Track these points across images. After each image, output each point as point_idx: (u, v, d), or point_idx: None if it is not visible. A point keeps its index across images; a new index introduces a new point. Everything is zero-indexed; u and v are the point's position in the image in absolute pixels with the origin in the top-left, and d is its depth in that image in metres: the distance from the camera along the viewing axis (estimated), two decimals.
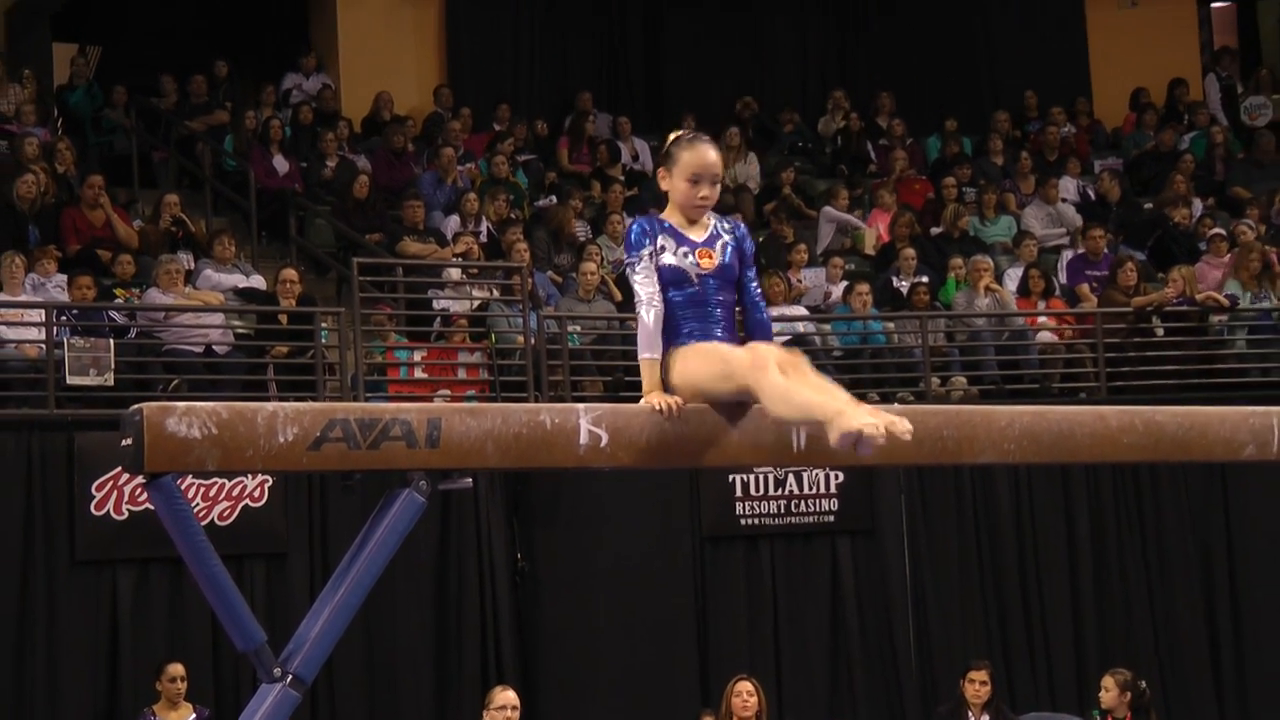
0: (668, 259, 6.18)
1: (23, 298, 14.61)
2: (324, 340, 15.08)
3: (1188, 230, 19.37)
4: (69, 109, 19.81)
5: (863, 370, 16.70)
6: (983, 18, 23.25)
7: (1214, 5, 25.96)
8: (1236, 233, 18.68)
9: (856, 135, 21.52)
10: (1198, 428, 6.62)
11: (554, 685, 14.63)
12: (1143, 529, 16.19)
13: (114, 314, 15.08)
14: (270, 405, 5.39)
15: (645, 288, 6.17)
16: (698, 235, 6.26)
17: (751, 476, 15.19)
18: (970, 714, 12.98)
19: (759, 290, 6.36)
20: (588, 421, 5.73)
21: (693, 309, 6.21)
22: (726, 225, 6.33)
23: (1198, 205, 20.11)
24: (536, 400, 14.44)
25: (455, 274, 16.59)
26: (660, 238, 6.25)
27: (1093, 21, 23.28)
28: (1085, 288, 18.09)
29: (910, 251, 18.19)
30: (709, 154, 6.24)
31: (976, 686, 13.01)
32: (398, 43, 21.31)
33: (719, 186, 6.33)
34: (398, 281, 16.67)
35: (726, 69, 22.37)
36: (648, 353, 6.11)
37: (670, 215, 6.29)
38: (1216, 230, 18.91)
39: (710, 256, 6.23)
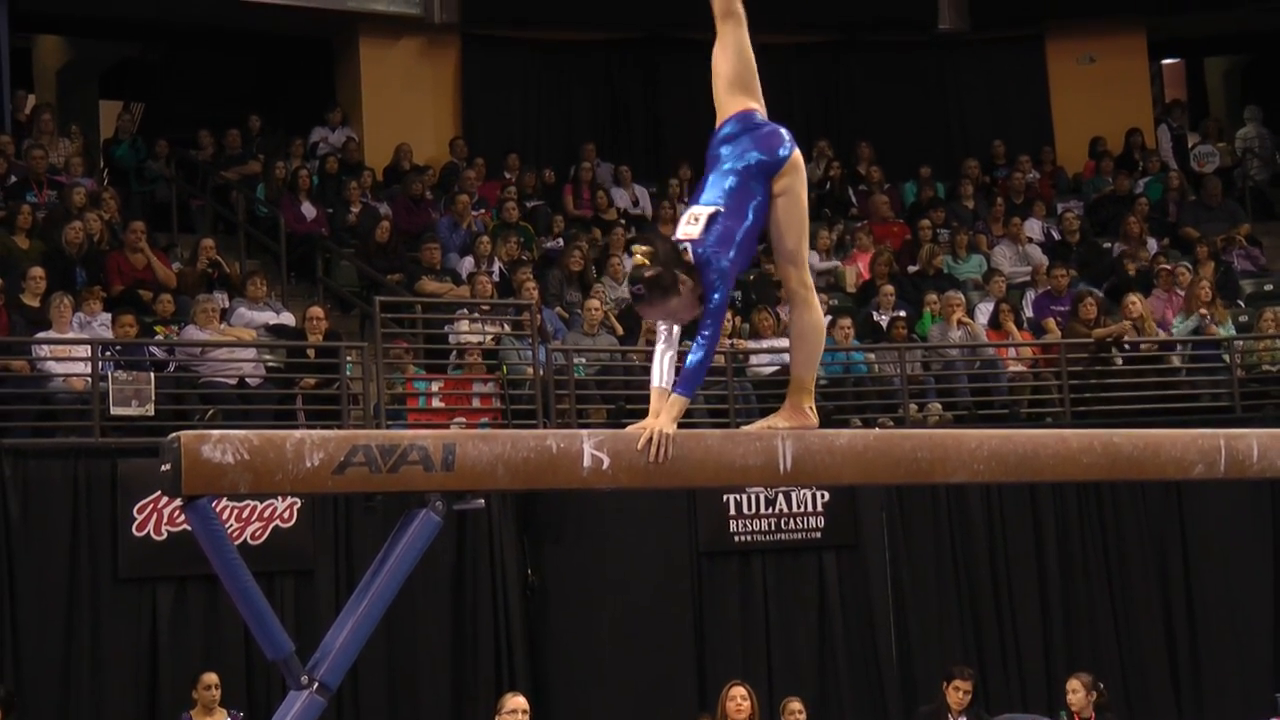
0: None
1: (70, 334, 14.63)
2: (348, 373, 15.07)
3: (1143, 268, 19.36)
4: (114, 161, 19.83)
5: (846, 398, 16.71)
6: (954, 74, 23.27)
7: (1165, 61, 26.01)
8: (1176, 272, 18.69)
9: (839, 182, 21.52)
10: (1151, 448, 6.63)
11: (562, 691, 14.62)
12: (1105, 541, 16.21)
13: (154, 349, 15.09)
14: (298, 433, 5.40)
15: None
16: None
17: (744, 496, 15.18)
18: (950, 717, 12.94)
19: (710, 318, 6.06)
20: (591, 446, 5.74)
21: None
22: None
23: (1152, 244, 20.12)
24: (545, 427, 14.43)
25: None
26: None
27: (1054, 76, 23.30)
28: (1050, 321, 18.10)
29: (889, 288, 18.20)
30: (646, 319, 6.21)
31: (960, 695, 12.97)
32: (417, 99, 21.34)
33: (683, 314, 6.06)
34: (416, 318, 16.69)
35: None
36: (655, 382, 6.00)
37: None
38: (1164, 267, 18.91)
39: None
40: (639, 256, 6.06)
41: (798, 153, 6.30)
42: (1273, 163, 22.68)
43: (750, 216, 6.10)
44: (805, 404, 6.15)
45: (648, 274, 5.96)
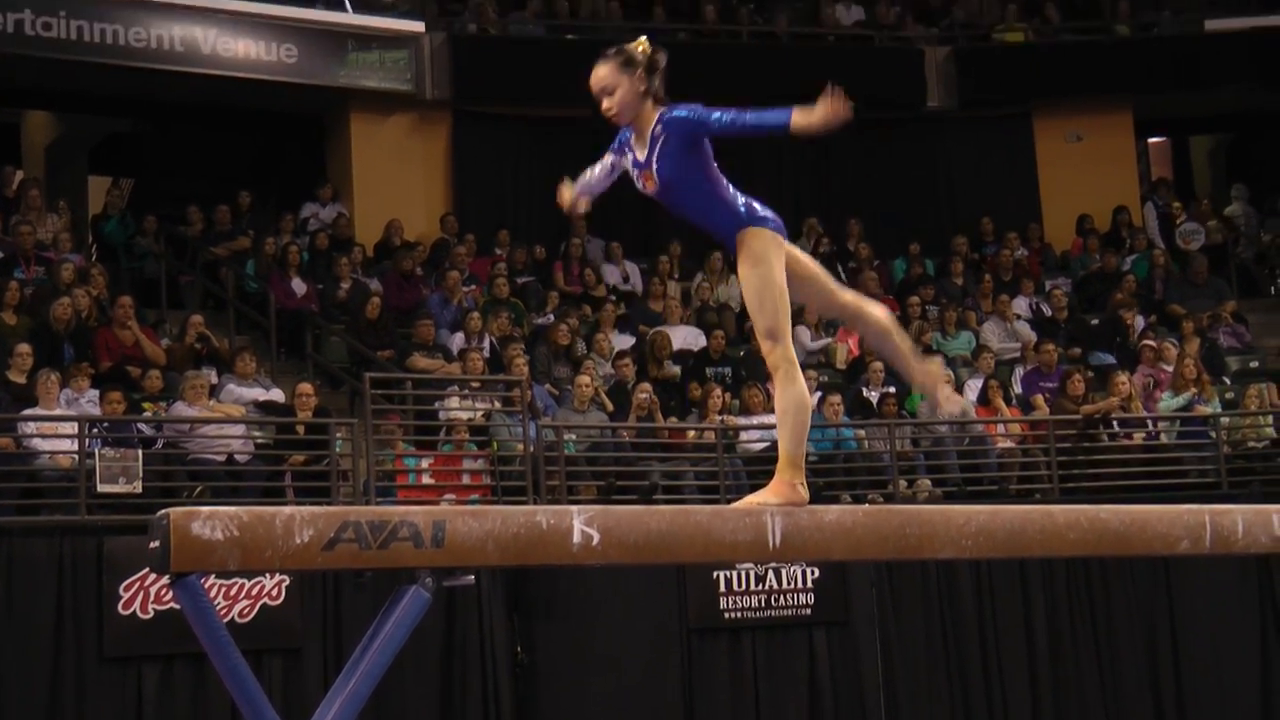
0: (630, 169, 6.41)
1: (57, 411, 14.62)
2: (338, 449, 15.08)
3: (1130, 345, 19.43)
4: (103, 237, 19.86)
5: (836, 474, 16.73)
6: (942, 151, 23.39)
7: (1151, 140, 26.15)
8: (1161, 349, 18.73)
9: (829, 258, 21.58)
10: (1137, 524, 6.66)
11: None
12: (1093, 617, 16.21)
13: (142, 426, 15.09)
14: (288, 509, 5.40)
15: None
16: (640, 152, 6.38)
17: (734, 572, 15.18)
18: None
19: (728, 118, 6.39)
20: (581, 522, 5.74)
21: (682, 215, 6.39)
22: (659, 127, 6.34)
23: (1139, 321, 20.18)
24: (535, 503, 14.43)
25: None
26: (626, 146, 6.49)
27: (1042, 154, 23.42)
28: (1039, 398, 18.16)
29: (878, 365, 18.21)
30: (593, 73, 6.39)
31: None
32: (407, 175, 21.41)
33: (614, 96, 6.37)
34: (407, 394, 16.70)
35: None
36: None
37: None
38: (1149, 343, 18.96)
39: (650, 180, 6.36)
40: (642, 42, 6.45)
41: (777, 234, 6.34)
42: (1258, 241, 22.76)
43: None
44: (795, 480, 6.16)
45: (629, 45, 6.35)
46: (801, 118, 6.30)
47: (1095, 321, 20.50)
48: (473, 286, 19.56)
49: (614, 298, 19.81)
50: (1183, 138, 26.71)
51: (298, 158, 22.22)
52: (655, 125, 6.32)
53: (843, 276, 20.86)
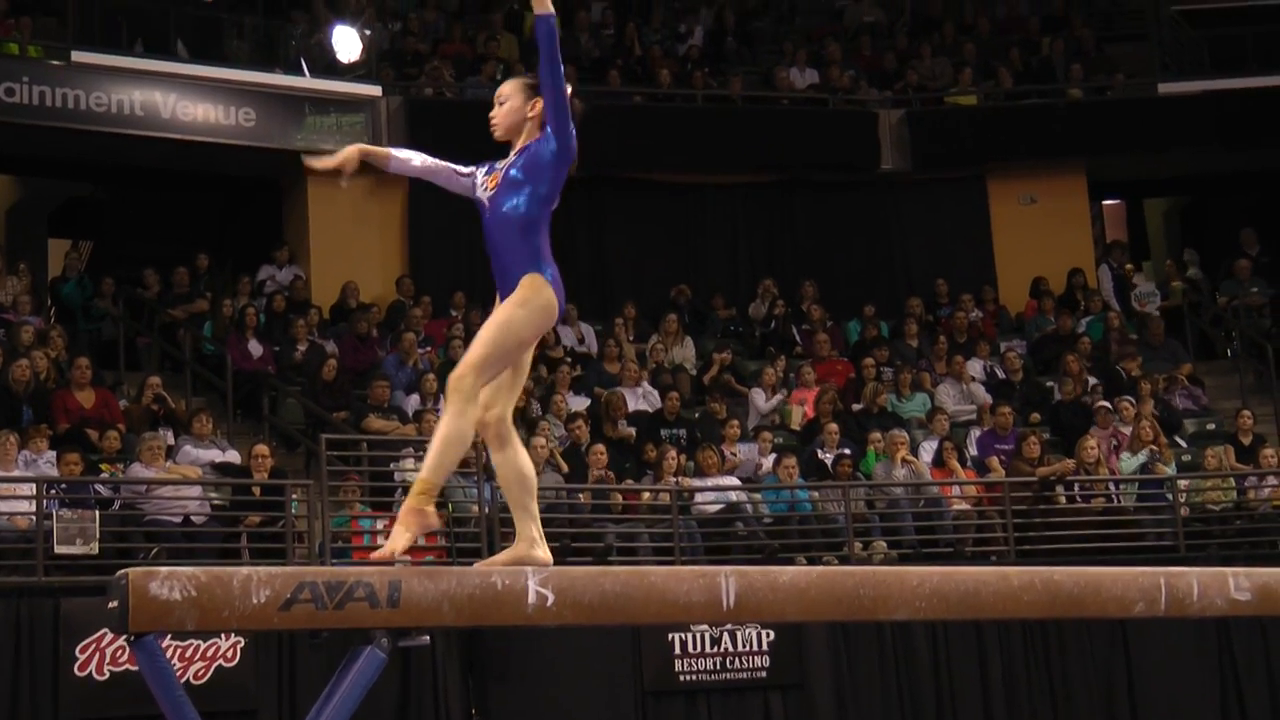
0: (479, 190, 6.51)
1: (15, 473, 14.60)
2: (294, 510, 15.08)
3: (1085, 406, 19.51)
4: (61, 299, 19.86)
5: (791, 535, 16.78)
6: (896, 214, 23.49)
7: (1105, 202, 26.31)
8: (1119, 408, 18.83)
9: (783, 320, 21.68)
10: (1092, 586, 6.70)
11: None
12: (1050, 679, 16.24)
13: (100, 487, 15.07)
14: (245, 570, 5.43)
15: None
16: (501, 162, 6.48)
17: (690, 635, 15.19)
18: None
19: (544, 72, 6.37)
20: (535, 583, 5.78)
21: (488, 243, 6.42)
22: (532, 144, 6.45)
23: (1093, 383, 20.27)
24: None
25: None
26: (485, 166, 6.55)
27: (996, 216, 23.54)
28: (994, 459, 18.23)
29: (833, 426, 18.30)
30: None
31: None
32: (363, 237, 21.44)
33: (503, 107, 6.52)
34: (362, 455, 16.70)
35: (664, 259, 22.57)
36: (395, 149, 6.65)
37: None
38: (1103, 404, 19.05)
39: (495, 180, 6.45)
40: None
41: (554, 305, 6.39)
42: (1213, 304, 22.91)
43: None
44: (424, 505, 6.08)
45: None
46: (541, 4, 6.37)
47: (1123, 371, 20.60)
48: (428, 348, 19.58)
49: (569, 360, 19.84)
50: (1137, 200, 26.87)
51: (255, 220, 22.24)
52: (529, 143, 6.44)
53: (798, 339, 21.01)
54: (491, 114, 6.54)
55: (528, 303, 6.25)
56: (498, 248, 6.39)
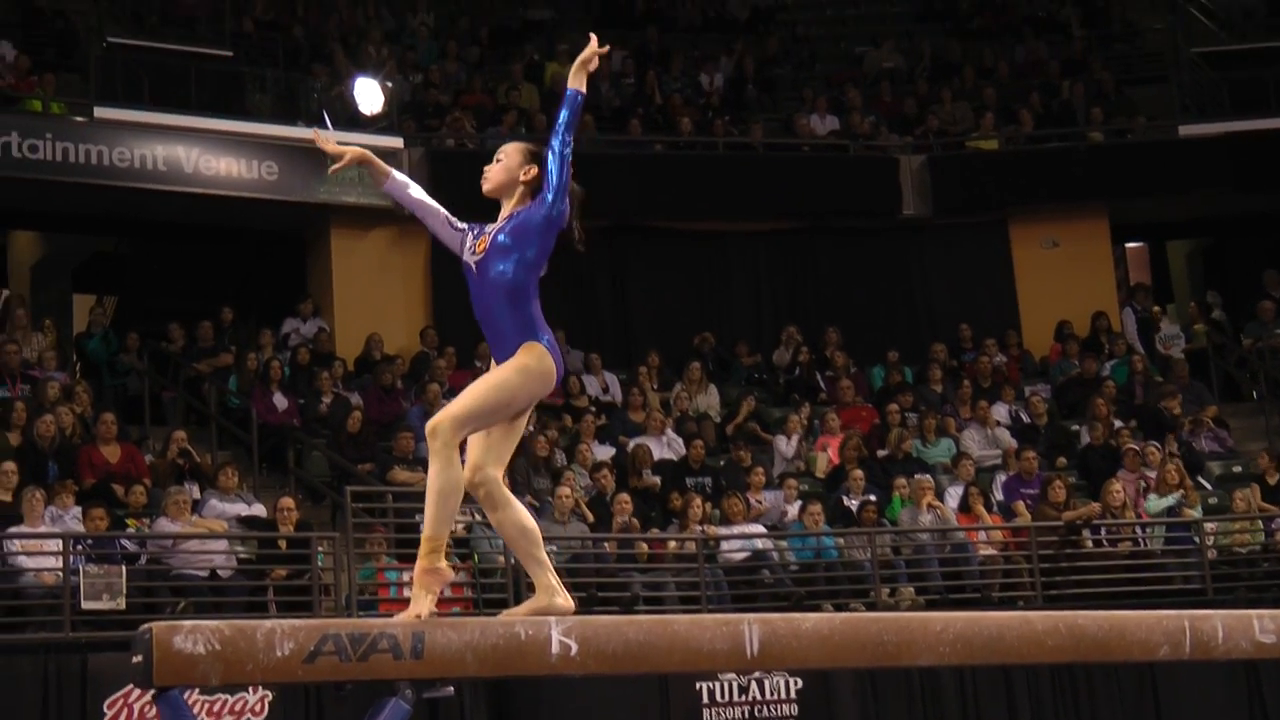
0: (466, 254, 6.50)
1: (42, 529, 14.64)
2: (320, 563, 15.09)
3: (1111, 449, 19.48)
4: (87, 354, 19.92)
5: (817, 583, 16.77)
6: (919, 259, 23.49)
7: (1128, 245, 26.28)
8: (1145, 452, 18.81)
9: (807, 367, 21.68)
10: (1116, 630, 6.69)
11: None
12: None
13: (125, 542, 15.11)
14: (269, 622, 5.44)
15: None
16: (491, 225, 6.49)
17: (717, 683, 15.16)
18: None
19: (554, 147, 6.43)
20: (559, 633, 5.78)
21: (478, 310, 6.42)
22: (521, 210, 6.49)
23: (1119, 426, 20.22)
24: None
25: None
26: (476, 229, 6.55)
27: (1019, 261, 23.52)
28: (1020, 504, 18.20)
29: (858, 473, 18.29)
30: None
31: None
32: (387, 289, 21.49)
33: (497, 166, 6.58)
34: (388, 507, 16.72)
35: (687, 307, 22.59)
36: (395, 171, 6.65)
37: None
38: (1132, 447, 19.03)
39: (484, 243, 6.45)
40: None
41: (551, 375, 6.40)
42: (1237, 346, 22.87)
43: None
44: (435, 563, 6.14)
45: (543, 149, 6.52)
46: (578, 80, 6.51)
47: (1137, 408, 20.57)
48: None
49: (594, 409, 19.86)
50: (1160, 242, 26.85)
51: (279, 273, 22.31)
52: (519, 209, 6.47)
53: (822, 386, 21.00)
54: (486, 167, 6.58)
55: (527, 369, 6.28)
56: (489, 314, 6.42)
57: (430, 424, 6.22)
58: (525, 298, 6.37)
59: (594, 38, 6.58)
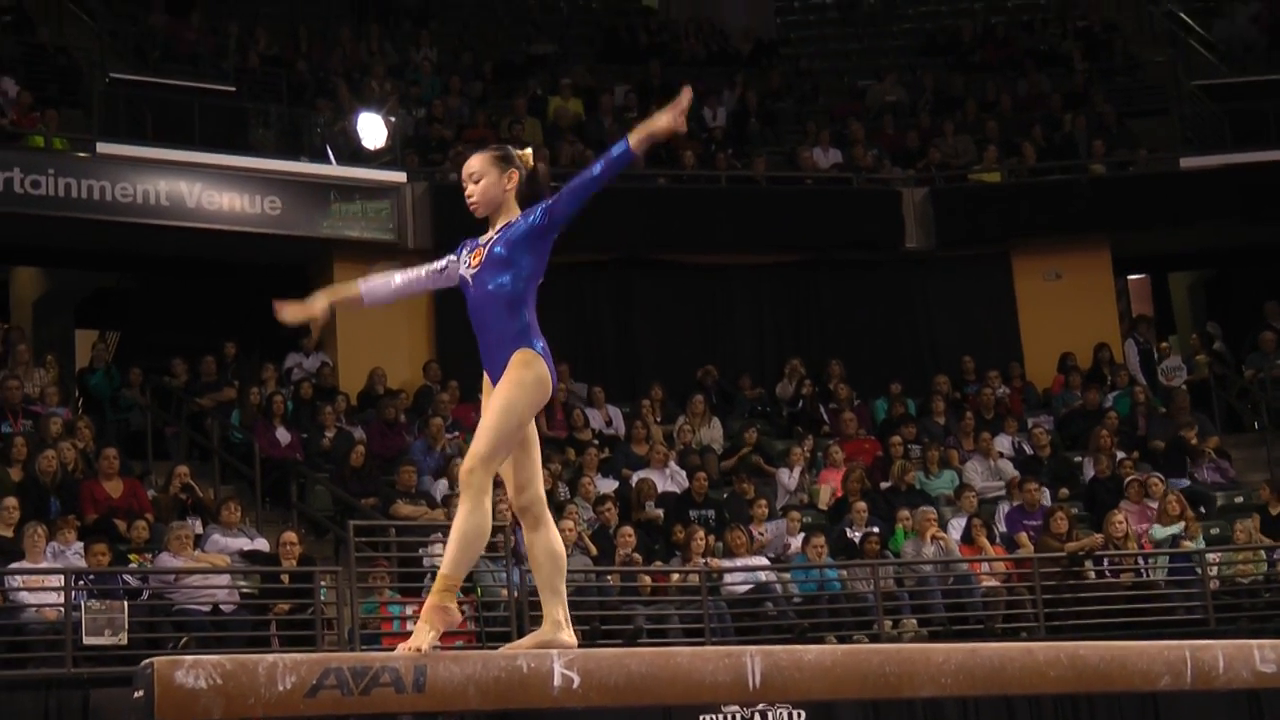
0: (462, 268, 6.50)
1: (44, 564, 14.64)
2: (323, 597, 15.09)
3: (1114, 481, 19.50)
4: (89, 389, 19.94)
5: (820, 614, 16.76)
6: (921, 291, 23.51)
7: (1130, 278, 26.32)
8: (1149, 484, 18.82)
9: (810, 399, 21.69)
10: (1118, 661, 6.68)
11: None
12: None
13: (128, 577, 15.11)
14: (270, 656, 5.44)
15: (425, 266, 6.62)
16: (484, 238, 6.48)
17: (721, 715, 15.10)
18: None
19: (573, 183, 6.40)
20: (561, 665, 5.79)
21: (474, 320, 6.42)
22: (516, 219, 6.47)
23: (1121, 457, 20.24)
24: None
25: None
26: (467, 245, 6.56)
27: (1022, 293, 23.54)
28: (1023, 535, 18.21)
29: (861, 505, 18.31)
30: (467, 160, 6.58)
31: None
32: (390, 323, 21.47)
33: (479, 185, 6.54)
34: (391, 541, 16.73)
35: (690, 340, 22.61)
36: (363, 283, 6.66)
37: None
38: (1135, 478, 19.05)
39: (479, 255, 6.45)
40: (527, 152, 6.64)
41: (547, 378, 6.39)
42: (1239, 377, 22.89)
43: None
44: (447, 602, 6.12)
45: (511, 148, 6.55)
46: (639, 137, 6.29)
47: (1161, 445, 20.59)
48: (456, 433, 19.61)
49: (597, 442, 19.87)
50: (1162, 274, 26.89)
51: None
52: (513, 218, 6.46)
53: (825, 418, 21.01)
54: (468, 192, 6.55)
55: (523, 381, 6.28)
56: (486, 324, 6.42)
57: (463, 470, 6.22)
58: (523, 306, 6.38)
59: (687, 95, 6.27)
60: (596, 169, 6.31)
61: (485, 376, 6.42)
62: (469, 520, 6.16)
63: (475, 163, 6.56)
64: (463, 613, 6.14)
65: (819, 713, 15.23)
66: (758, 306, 23.18)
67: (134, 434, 19.35)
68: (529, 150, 6.64)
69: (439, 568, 6.15)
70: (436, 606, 6.07)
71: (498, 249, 6.40)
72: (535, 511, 6.47)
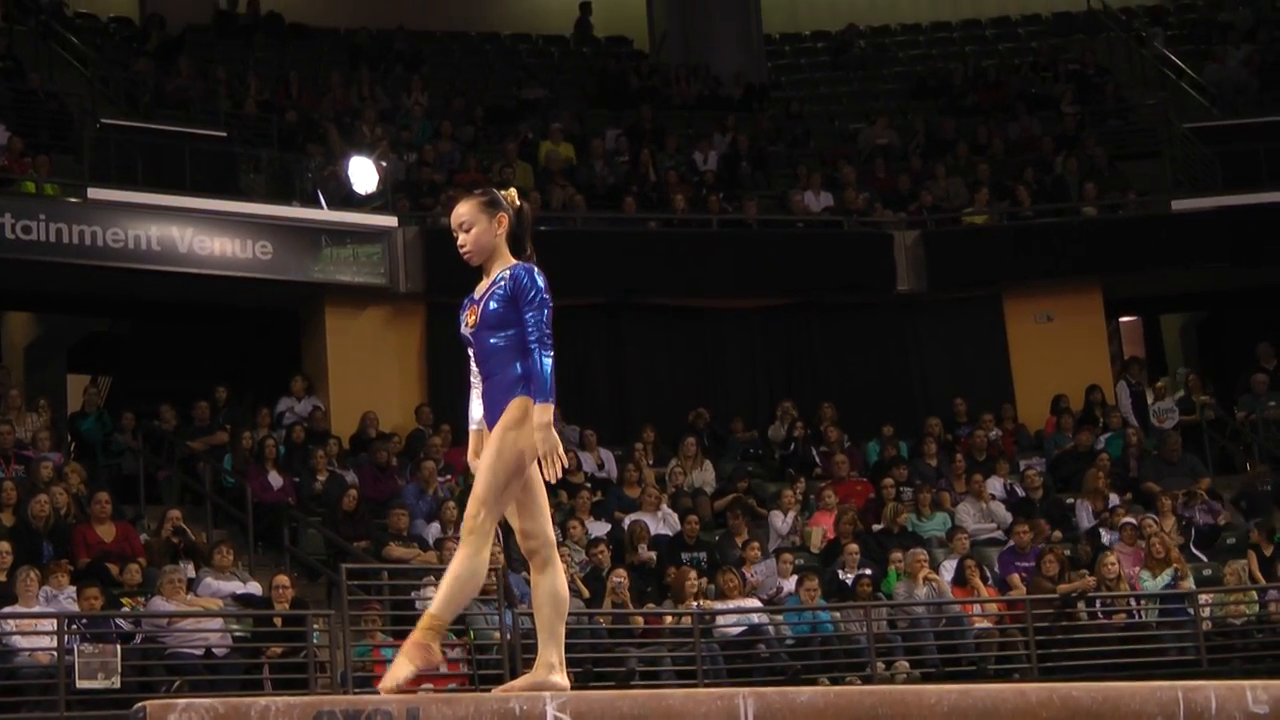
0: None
1: (36, 609, 14.64)
2: (315, 640, 15.09)
3: (1105, 521, 19.52)
4: (81, 434, 19.94)
5: (813, 656, 16.76)
6: (913, 334, 23.54)
7: (1122, 320, 26.37)
8: (1143, 524, 18.86)
9: (802, 442, 21.70)
10: (1110, 701, 6.68)
11: None
12: None
13: (121, 621, 15.10)
14: (263, 700, 5.45)
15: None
16: (479, 290, 6.48)
17: None
18: None
19: (531, 333, 6.34)
20: (553, 708, 5.78)
21: (481, 372, 6.44)
22: (506, 272, 6.44)
23: (1113, 499, 20.26)
24: None
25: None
26: (467, 301, 6.56)
27: (1013, 335, 23.57)
28: (1015, 577, 18.22)
29: (854, 546, 18.31)
30: (455, 208, 6.55)
31: None
32: (382, 367, 21.52)
33: (470, 234, 6.50)
34: (383, 584, 16.73)
35: (682, 383, 22.62)
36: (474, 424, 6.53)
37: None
38: (1128, 520, 19.08)
39: (474, 314, 6.45)
40: (512, 191, 6.63)
41: (526, 401, 6.36)
42: (1230, 419, 22.92)
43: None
44: (432, 641, 6.16)
45: (496, 190, 6.55)
46: (541, 413, 6.27)
47: (1155, 488, 20.63)
48: (448, 476, 19.62)
49: (589, 485, 19.88)
50: (1153, 316, 26.95)
51: (274, 352, 22.35)
52: (504, 270, 6.45)
53: (817, 460, 21.03)
54: (460, 242, 6.53)
55: (518, 424, 6.30)
56: (491, 377, 6.45)
57: (467, 515, 6.28)
58: (520, 358, 6.37)
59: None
60: (534, 354, 6.32)
61: (484, 424, 6.47)
62: (468, 565, 6.21)
63: (464, 211, 6.54)
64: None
65: None
66: (749, 349, 23.21)
67: (126, 478, 19.34)
68: (514, 190, 6.67)
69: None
70: (420, 644, 6.12)
71: (492, 306, 6.41)
72: (544, 554, 6.49)
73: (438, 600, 6.20)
